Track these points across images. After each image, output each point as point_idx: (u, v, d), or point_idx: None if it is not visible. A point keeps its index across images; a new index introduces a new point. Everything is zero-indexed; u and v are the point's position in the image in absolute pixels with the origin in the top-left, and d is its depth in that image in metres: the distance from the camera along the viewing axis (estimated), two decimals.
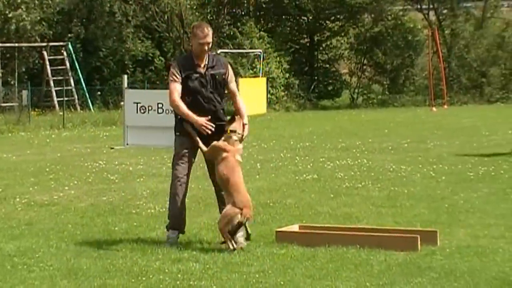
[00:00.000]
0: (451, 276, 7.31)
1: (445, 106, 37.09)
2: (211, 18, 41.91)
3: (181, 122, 8.71)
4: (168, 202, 9.00)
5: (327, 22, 45.32)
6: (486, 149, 18.19)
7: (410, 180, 13.51)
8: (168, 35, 40.57)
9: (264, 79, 35.50)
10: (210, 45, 8.57)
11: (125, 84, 21.46)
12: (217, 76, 8.63)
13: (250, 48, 37.79)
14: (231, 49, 38.42)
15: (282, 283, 7.16)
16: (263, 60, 36.67)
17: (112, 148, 19.96)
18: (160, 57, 40.82)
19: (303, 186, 13.04)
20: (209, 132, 8.52)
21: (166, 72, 7.64)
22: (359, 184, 13.04)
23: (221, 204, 8.78)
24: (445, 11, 43.50)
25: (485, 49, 41.87)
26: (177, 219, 8.78)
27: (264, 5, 43.45)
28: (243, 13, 44.24)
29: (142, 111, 20.56)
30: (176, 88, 8.61)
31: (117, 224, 10.08)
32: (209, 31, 8.63)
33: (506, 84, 41.04)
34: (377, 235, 8.65)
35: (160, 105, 20.32)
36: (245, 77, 35.33)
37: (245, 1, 42.17)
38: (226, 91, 8.86)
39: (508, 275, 7.32)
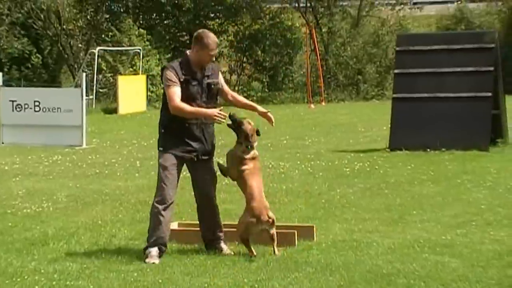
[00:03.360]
0: (327, 270, 7.45)
1: (323, 103, 37.66)
2: (90, 15, 41.37)
3: (164, 136, 8.20)
4: (150, 218, 8.23)
5: (207, 20, 45.39)
6: (362, 145, 18.57)
7: (289, 177, 13.69)
8: (45, 32, 39.84)
9: (144, 76, 35.28)
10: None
11: (0, 82, 20.98)
12: (212, 86, 8.23)
13: (129, 46, 37.50)
14: (110, 46, 38.02)
15: (160, 281, 7.16)
16: (142, 58, 36.45)
17: None
18: (37, 54, 40.06)
19: (182, 183, 12.91)
20: (224, 121, 8.12)
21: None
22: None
23: (201, 220, 8.43)
24: (322, 9, 44.14)
25: (361, 47, 42.66)
26: (161, 237, 8.09)
27: (142, 3, 43.13)
28: (122, 10, 43.84)
29: (18, 109, 20.19)
30: (175, 91, 8.04)
31: None
32: (215, 41, 8.28)
33: (381, 81, 41.90)
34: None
35: (36, 103, 19.99)
36: (125, 74, 35.05)
37: None
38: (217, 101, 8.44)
39: (382, 268, 7.51)
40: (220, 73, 8.50)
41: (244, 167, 8.19)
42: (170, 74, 8.12)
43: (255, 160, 8.31)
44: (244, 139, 8.27)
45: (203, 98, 8.19)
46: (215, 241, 8.32)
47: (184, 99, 8.07)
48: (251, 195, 8.18)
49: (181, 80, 8.10)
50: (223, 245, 8.32)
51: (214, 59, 8.40)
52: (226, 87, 8.54)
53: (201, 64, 8.21)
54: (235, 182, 8.37)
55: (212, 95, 8.29)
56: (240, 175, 8.22)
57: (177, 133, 8.14)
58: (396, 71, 18.03)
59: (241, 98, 8.84)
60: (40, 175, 14.36)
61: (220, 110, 8.10)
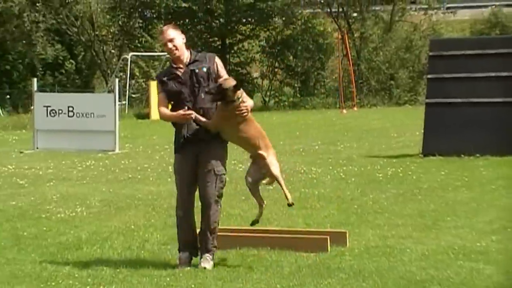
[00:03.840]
0: (360, 276, 7.42)
1: (355, 108, 37.57)
2: (123, 21, 41.62)
3: (174, 139, 8.18)
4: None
5: (239, 25, 45.48)
6: (394, 150, 18.49)
7: (321, 182, 13.65)
8: (79, 38, 40.13)
9: None
10: (176, 42, 7.85)
11: (35, 87, 21.17)
12: (197, 70, 7.87)
13: (162, 51, 37.66)
14: (142, 52, 38.20)
15: (193, 286, 7.16)
16: None
17: (21, 152, 19.65)
18: (71, 60, 40.37)
19: None
20: (193, 117, 7.78)
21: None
22: (270, 186, 13.08)
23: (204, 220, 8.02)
24: (354, 14, 44.07)
25: (394, 52, 42.54)
26: (187, 242, 8.00)
27: (174, 9, 43.31)
28: (154, 16, 44.06)
29: (52, 114, 20.32)
30: (160, 99, 7.97)
31: (26, 229, 9.94)
32: (167, 29, 7.95)
33: (413, 86, 41.75)
34: (288, 236, 8.72)
35: (70, 109, 20.12)
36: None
37: (156, 5, 41.98)
38: None
39: (415, 275, 7.46)
40: (216, 60, 8.01)
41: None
42: (157, 84, 8.13)
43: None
44: (230, 97, 7.87)
45: (189, 86, 7.86)
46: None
47: (169, 97, 7.93)
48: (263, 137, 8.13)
49: (164, 82, 7.95)
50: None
51: (172, 47, 7.89)
52: (222, 73, 8.00)
53: (172, 58, 8.00)
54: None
55: (199, 80, 7.87)
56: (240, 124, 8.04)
57: (179, 135, 8.09)
58: (429, 76, 17.93)
59: None
60: (74, 180, 14.45)
61: (185, 110, 7.80)
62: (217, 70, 7.97)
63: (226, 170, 8.17)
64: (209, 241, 7.92)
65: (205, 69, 7.91)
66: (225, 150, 8.19)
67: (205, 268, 7.77)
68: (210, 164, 7.97)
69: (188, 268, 7.81)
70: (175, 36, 7.92)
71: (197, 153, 7.96)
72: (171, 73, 7.97)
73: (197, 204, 8.02)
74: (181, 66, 7.96)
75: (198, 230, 8.03)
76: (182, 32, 8.11)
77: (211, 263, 7.86)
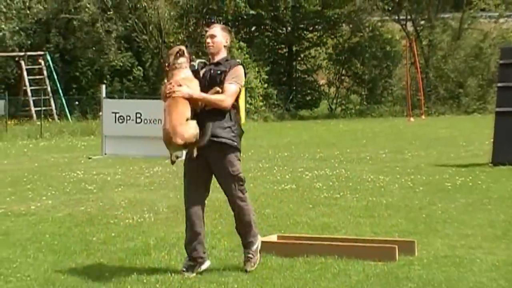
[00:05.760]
0: (429, 286, 7.33)
1: (423, 117, 37.24)
2: (191, 28, 41.93)
3: None
4: None
5: (306, 32, 45.46)
6: (463, 159, 18.26)
7: (388, 191, 13.54)
8: (147, 45, 40.55)
9: (243, 89, 35.53)
10: (216, 39, 7.99)
11: (103, 94, 21.42)
12: (212, 72, 7.98)
13: (230, 58, 37.85)
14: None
15: None
16: None
17: (90, 158, 19.90)
18: (139, 67, 40.79)
19: (281, 196, 13.04)
20: (177, 91, 7.73)
21: None
22: (337, 194, 13.06)
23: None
24: (422, 22, 43.72)
25: (463, 60, 42.09)
26: (189, 247, 8.05)
27: (242, 16, 43.50)
28: (222, 23, 44.30)
29: (120, 120, 20.52)
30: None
31: (94, 234, 10.05)
32: (215, 26, 8.18)
33: (483, 95, 41.24)
34: (355, 245, 8.66)
35: (138, 115, 20.28)
36: None
37: (224, 12, 42.20)
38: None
39: (485, 285, 7.35)
40: (236, 69, 8.03)
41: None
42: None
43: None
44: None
45: (203, 88, 7.90)
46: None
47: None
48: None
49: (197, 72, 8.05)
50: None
51: (215, 42, 8.03)
52: (226, 84, 7.92)
53: (210, 53, 8.12)
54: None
55: (212, 83, 7.92)
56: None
57: None
58: (499, 84, 17.66)
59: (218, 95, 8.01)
60: (142, 186, 14.57)
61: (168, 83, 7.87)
62: (227, 76, 7.96)
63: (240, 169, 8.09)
64: (247, 236, 8.05)
65: (219, 72, 7.98)
66: (237, 151, 8.07)
67: (246, 270, 7.87)
68: (224, 167, 7.99)
69: (186, 275, 7.74)
70: (217, 34, 8.09)
71: (206, 156, 7.96)
72: (204, 68, 8.11)
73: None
74: (210, 63, 8.11)
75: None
76: (230, 34, 8.25)
77: (253, 260, 7.94)
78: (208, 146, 7.86)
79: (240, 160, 8.12)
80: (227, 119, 7.94)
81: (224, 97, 7.89)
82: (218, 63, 8.05)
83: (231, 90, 7.95)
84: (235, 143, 7.99)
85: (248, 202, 8.11)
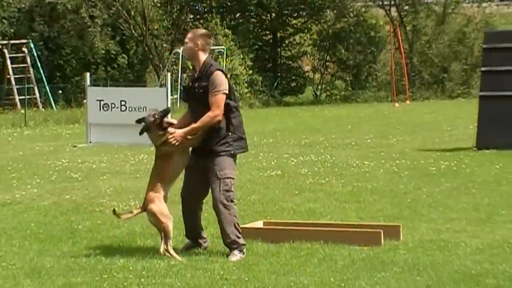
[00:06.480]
0: (414, 270, 7.37)
1: (407, 102, 37.32)
2: (175, 15, 41.79)
3: None
4: None
5: (290, 18, 45.40)
6: (448, 144, 18.34)
7: (373, 176, 13.59)
8: (131, 32, 40.40)
9: (228, 76, 35.49)
10: (187, 45, 8.13)
11: (88, 82, 21.35)
12: (196, 90, 8.09)
13: (215, 45, 37.76)
14: None
15: (246, 279, 7.17)
16: (226, 57, 36.66)
17: (75, 146, 19.85)
18: (123, 55, 40.65)
19: (267, 182, 13.06)
20: (177, 143, 8.04)
21: None
22: (322, 180, 13.09)
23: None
24: (406, 7, 43.74)
25: (447, 45, 42.17)
26: (186, 229, 8.48)
27: (226, 3, 43.39)
28: (206, 10, 44.19)
29: (105, 108, 20.44)
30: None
31: (80, 222, 10.05)
32: (189, 32, 8.33)
33: (467, 79, 41.36)
34: (341, 230, 8.70)
35: (123, 103, 20.20)
36: None
37: None
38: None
39: (470, 269, 7.40)
40: (213, 78, 8.04)
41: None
42: None
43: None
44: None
45: (192, 103, 8.26)
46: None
47: None
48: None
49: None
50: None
51: (186, 48, 8.21)
52: (210, 97, 8.00)
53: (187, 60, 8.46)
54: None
55: (199, 100, 8.05)
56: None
57: None
58: (483, 68, 17.73)
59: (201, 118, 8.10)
60: (127, 174, 14.56)
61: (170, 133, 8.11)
62: (209, 88, 8.03)
63: (234, 177, 8.14)
64: (226, 238, 8.08)
65: (203, 89, 8.05)
66: (230, 157, 8.13)
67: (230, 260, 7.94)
68: (213, 169, 8.07)
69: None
70: (187, 41, 8.18)
71: (204, 159, 8.12)
72: (190, 81, 8.35)
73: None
74: (195, 75, 8.22)
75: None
76: (203, 36, 8.24)
77: (237, 256, 7.96)
78: (206, 150, 8.06)
79: (234, 168, 8.14)
80: (218, 129, 8.04)
81: (212, 114, 7.97)
82: (199, 78, 8.14)
83: (216, 102, 8.00)
84: (230, 148, 8.08)
85: (231, 211, 8.04)
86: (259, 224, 9.21)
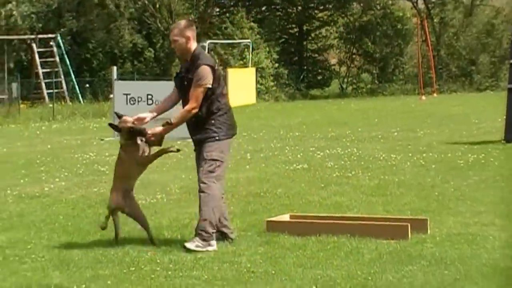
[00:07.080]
0: (442, 264, 7.34)
1: (435, 95, 37.15)
2: (201, 9, 41.84)
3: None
4: None
5: (316, 11, 45.32)
6: (475, 137, 18.23)
7: (400, 169, 13.54)
8: (157, 26, 40.50)
9: (254, 69, 35.50)
10: (177, 43, 8.16)
11: (115, 76, 21.42)
12: (185, 81, 8.22)
13: (241, 39, 37.76)
14: (220, 39, 38.38)
15: (273, 272, 7.17)
16: (252, 51, 36.66)
17: (102, 140, 19.94)
18: (150, 48, 40.77)
19: (293, 175, 13.06)
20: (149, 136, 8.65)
21: None
22: (349, 173, 13.07)
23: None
24: None
25: (475, 37, 41.94)
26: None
27: None
28: (232, 3, 44.20)
29: (131, 102, 20.52)
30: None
31: None
32: (173, 28, 8.32)
33: (495, 72, 41.11)
34: (368, 223, 8.68)
35: (149, 96, 20.28)
36: (235, 67, 35.31)
37: None
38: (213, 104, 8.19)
39: (498, 262, 7.35)
40: (199, 71, 8.11)
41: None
42: None
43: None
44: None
45: (182, 92, 8.30)
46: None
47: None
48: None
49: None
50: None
51: (177, 46, 8.23)
52: (191, 90, 8.13)
53: (178, 55, 8.53)
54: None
55: (185, 90, 8.21)
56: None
57: None
58: (511, 61, 17.59)
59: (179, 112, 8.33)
60: (154, 167, 14.49)
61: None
62: (193, 81, 8.13)
63: (222, 160, 8.24)
64: (199, 225, 8.08)
65: (187, 83, 8.17)
66: (219, 141, 8.24)
67: (184, 247, 7.94)
68: (202, 154, 8.24)
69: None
70: (177, 39, 8.20)
71: (199, 149, 8.32)
72: (180, 71, 8.45)
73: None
74: (184, 65, 8.34)
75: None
76: (190, 26, 8.28)
77: (194, 244, 7.96)
78: (196, 136, 8.27)
79: (223, 152, 8.22)
80: (203, 119, 8.17)
81: (189, 107, 8.14)
82: (188, 69, 8.23)
83: (194, 95, 8.12)
84: (215, 134, 8.18)
85: (209, 193, 8.09)
86: (285, 217, 9.20)
